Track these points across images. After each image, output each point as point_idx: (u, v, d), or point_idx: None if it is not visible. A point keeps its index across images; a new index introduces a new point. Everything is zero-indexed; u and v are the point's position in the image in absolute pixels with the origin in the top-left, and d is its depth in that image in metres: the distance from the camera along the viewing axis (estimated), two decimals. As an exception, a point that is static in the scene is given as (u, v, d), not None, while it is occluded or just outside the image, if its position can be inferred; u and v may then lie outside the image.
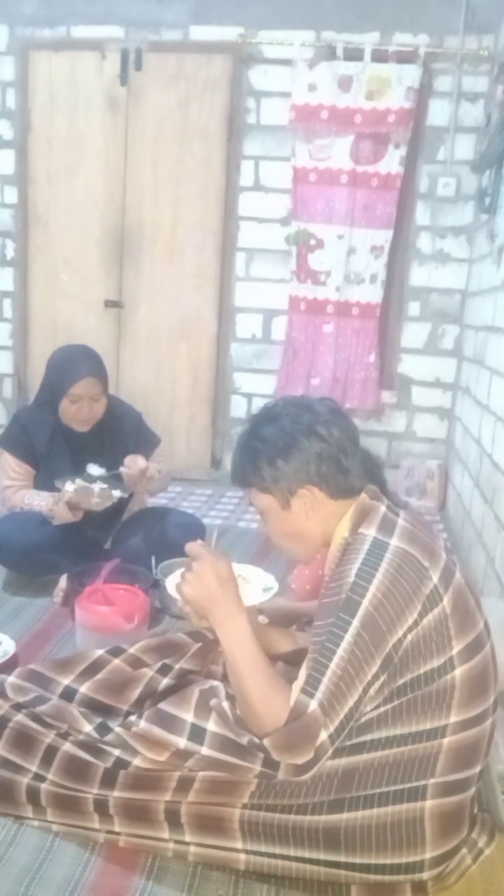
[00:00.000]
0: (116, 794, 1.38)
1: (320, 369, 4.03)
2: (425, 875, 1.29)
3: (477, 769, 1.31)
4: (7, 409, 4.42)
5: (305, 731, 1.17)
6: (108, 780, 1.38)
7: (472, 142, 3.75)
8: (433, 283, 3.97)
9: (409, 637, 1.21)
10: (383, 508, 1.34)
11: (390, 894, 1.30)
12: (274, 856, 1.32)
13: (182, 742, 1.32)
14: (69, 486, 2.39)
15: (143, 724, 1.38)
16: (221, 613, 1.31)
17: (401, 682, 1.23)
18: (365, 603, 1.20)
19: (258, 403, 4.10)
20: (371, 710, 1.24)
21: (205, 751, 1.31)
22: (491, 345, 2.94)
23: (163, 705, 1.39)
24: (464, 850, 1.35)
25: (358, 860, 1.28)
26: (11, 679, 1.60)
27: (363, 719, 1.25)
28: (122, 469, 2.45)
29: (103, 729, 1.44)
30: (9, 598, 2.51)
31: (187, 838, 1.36)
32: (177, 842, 1.37)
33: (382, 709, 1.24)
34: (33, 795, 1.44)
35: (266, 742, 1.21)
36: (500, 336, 2.74)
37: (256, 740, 1.23)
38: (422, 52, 3.66)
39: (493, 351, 2.89)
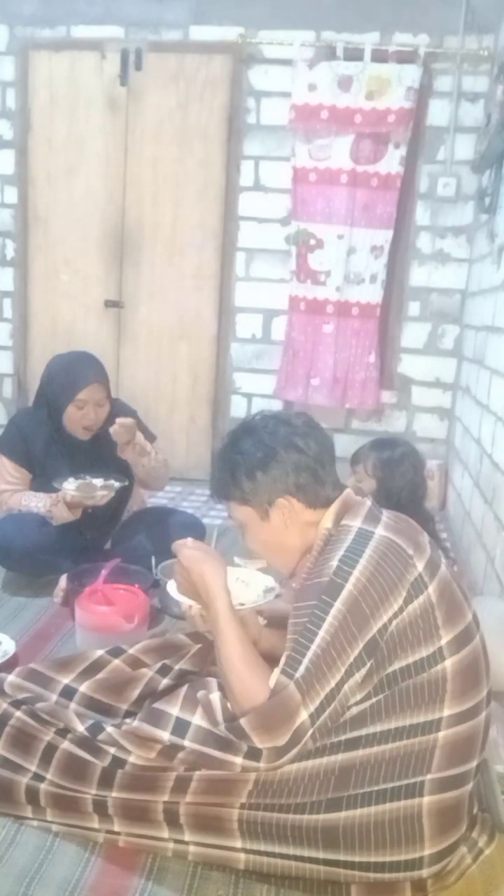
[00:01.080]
0: (114, 794, 1.38)
1: (320, 369, 4.03)
2: (425, 872, 1.29)
3: (473, 764, 1.31)
4: (7, 409, 4.42)
5: (283, 710, 1.18)
6: (106, 780, 1.38)
7: (472, 142, 3.75)
8: (433, 283, 3.96)
9: (395, 623, 1.22)
10: (369, 503, 1.38)
11: (390, 893, 1.30)
12: (273, 855, 1.32)
13: (166, 736, 1.33)
14: (68, 486, 2.39)
15: (134, 723, 1.38)
16: (204, 602, 1.39)
17: (390, 670, 1.24)
18: (349, 586, 1.21)
19: (258, 403, 4.19)
20: (363, 701, 1.25)
21: (187, 743, 1.31)
22: (491, 345, 2.94)
23: (155, 703, 1.40)
24: (464, 850, 1.35)
25: (357, 858, 1.28)
26: (11, 678, 1.61)
27: (356, 711, 1.25)
28: (111, 429, 2.45)
29: (96, 728, 1.44)
30: (9, 598, 2.51)
31: (186, 837, 1.36)
32: (176, 841, 1.37)
33: (374, 699, 1.25)
34: (33, 795, 1.44)
35: (244, 722, 1.21)
36: (500, 336, 2.74)
37: (234, 725, 1.23)
38: (422, 52, 3.66)
39: (493, 351, 2.89)
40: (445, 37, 3.71)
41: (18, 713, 1.50)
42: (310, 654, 1.20)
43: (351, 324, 3.98)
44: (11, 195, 4.23)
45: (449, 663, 1.25)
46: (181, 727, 1.33)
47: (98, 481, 2.44)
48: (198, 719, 1.32)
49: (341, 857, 1.29)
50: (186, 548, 1.44)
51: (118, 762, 1.38)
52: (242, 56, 3.88)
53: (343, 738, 1.26)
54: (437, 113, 3.80)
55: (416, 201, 3.90)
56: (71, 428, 2.52)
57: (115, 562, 2.30)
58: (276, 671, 1.23)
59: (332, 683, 1.19)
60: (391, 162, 3.79)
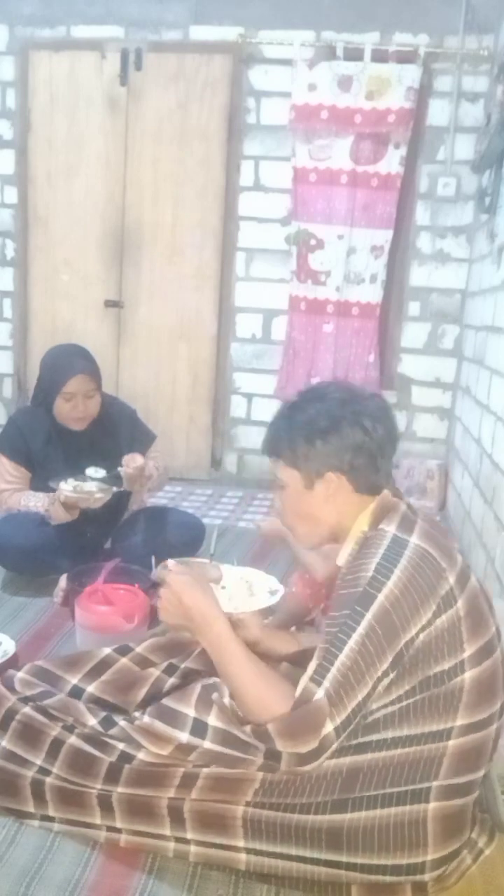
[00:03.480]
0: (120, 789, 1.37)
1: (320, 369, 4.03)
2: (426, 877, 1.29)
3: (481, 773, 1.31)
4: (7, 409, 4.42)
5: (310, 719, 1.17)
6: (113, 775, 1.38)
7: (472, 142, 3.75)
8: (433, 283, 3.96)
9: (422, 636, 1.21)
10: (403, 507, 1.35)
11: (391, 894, 1.30)
12: (275, 855, 1.32)
13: (184, 736, 1.33)
14: (64, 486, 2.39)
15: (146, 719, 1.38)
16: (198, 627, 1.35)
17: (412, 683, 1.22)
18: (381, 598, 1.19)
19: (258, 403, 4.19)
20: (378, 710, 1.24)
21: (207, 745, 1.31)
22: (491, 345, 2.94)
23: (165, 700, 1.40)
24: (464, 851, 1.35)
25: (360, 860, 1.28)
26: (21, 674, 1.61)
27: (370, 718, 1.24)
28: (120, 469, 2.45)
29: (108, 723, 1.44)
30: (9, 598, 2.51)
31: (189, 835, 1.35)
32: (178, 839, 1.36)
33: (391, 709, 1.24)
34: (37, 789, 1.44)
35: (270, 727, 1.20)
36: (500, 336, 2.74)
37: (260, 729, 1.22)
38: (422, 52, 3.66)
39: (493, 351, 2.89)
40: (445, 37, 3.71)
41: (26, 709, 1.50)
42: (338, 663, 1.18)
43: (351, 324, 3.98)
44: (11, 195, 4.23)
45: (468, 675, 1.24)
46: (199, 728, 1.32)
47: (94, 483, 2.44)
48: (213, 720, 1.32)
49: (344, 858, 1.29)
50: (173, 573, 1.41)
51: (126, 757, 1.38)
52: (242, 56, 3.88)
53: (353, 742, 1.26)
54: (437, 113, 3.80)
55: (416, 201, 3.90)
56: (61, 420, 2.52)
57: (115, 562, 2.30)
58: (304, 677, 1.21)
59: (360, 697, 1.18)
60: (391, 162, 3.79)
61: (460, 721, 1.24)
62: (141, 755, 1.37)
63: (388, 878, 1.29)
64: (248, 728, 1.26)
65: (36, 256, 4.28)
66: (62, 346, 2.65)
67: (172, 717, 1.35)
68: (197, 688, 1.40)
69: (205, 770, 1.33)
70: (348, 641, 1.18)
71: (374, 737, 1.25)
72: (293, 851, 1.31)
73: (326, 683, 1.17)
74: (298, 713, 1.19)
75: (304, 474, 1.36)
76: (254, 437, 4.26)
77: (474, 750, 1.27)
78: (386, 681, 1.20)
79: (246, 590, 1.57)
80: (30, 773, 1.44)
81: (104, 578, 2.22)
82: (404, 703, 1.24)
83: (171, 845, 1.37)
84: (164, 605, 1.40)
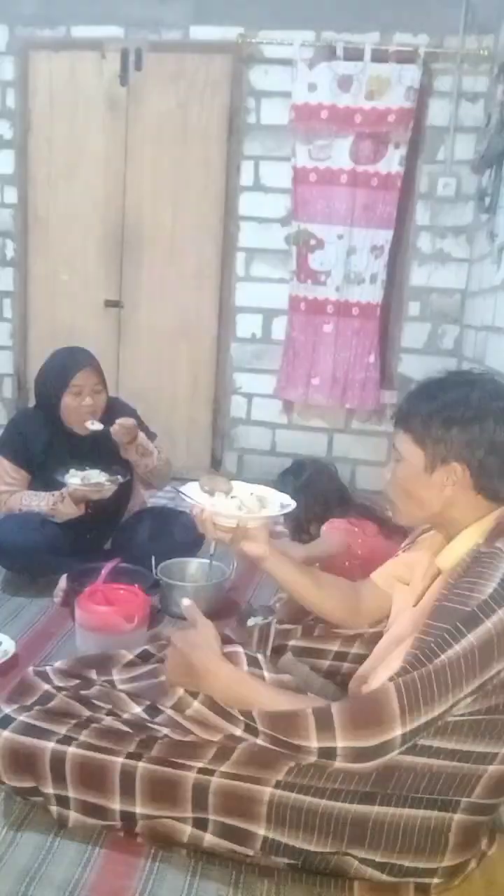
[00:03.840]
0: (153, 753, 1.33)
1: (320, 369, 4.03)
2: (435, 880, 1.30)
3: None
4: (7, 409, 4.42)
5: (378, 714, 1.16)
6: (146, 742, 1.34)
7: (472, 142, 3.75)
8: (433, 283, 3.96)
9: None
10: None
11: (394, 893, 1.31)
12: (290, 852, 1.30)
13: (238, 731, 1.32)
14: (72, 478, 2.40)
15: (196, 705, 1.36)
16: (205, 680, 1.35)
17: (478, 706, 1.21)
18: (488, 624, 1.15)
19: (258, 403, 4.19)
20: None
21: (260, 741, 1.28)
22: (491, 345, 2.94)
23: None
24: (472, 860, 1.35)
25: (378, 858, 1.28)
26: (57, 664, 1.58)
27: None
28: (111, 429, 2.46)
29: (153, 710, 1.40)
30: (9, 598, 2.51)
31: (210, 816, 1.31)
32: (196, 822, 1.32)
33: (448, 719, 1.22)
34: (58, 762, 1.36)
35: (334, 713, 1.19)
36: (500, 336, 2.74)
37: (323, 709, 1.21)
38: (422, 52, 3.66)
39: (493, 351, 2.89)
40: (445, 37, 3.71)
41: (61, 694, 1.47)
42: (424, 672, 1.15)
43: (351, 324, 3.98)
44: (11, 195, 4.23)
45: None
46: (254, 727, 1.30)
47: (102, 475, 2.45)
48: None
49: (362, 853, 1.28)
50: (179, 636, 1.41)
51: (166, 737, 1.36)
52: (242, 56, 3.88)
53: None
54: (437, 113, 3.80)
55: (416, 201, 3.90)
56: (71, 420, 2.52)
57: (115, 562, 2.30)
58: (384, 674, 1.21)
59: (435, 713, 1.16)
60: (391, 162, 3.78)
61: None
62: (189, 739, 1.34)
63: (398, 879, 1.29)
64: (308, 708, 1.23)
65: (36, 256, 4.29)
66: (63, 348, 2.66)
67: (227, 714, 1.33)
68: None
69: (244, 743, 1.31)
70: (441, 655, 1.16)
71: (421, 741, 1.23)
72: (311, 846, 1.29)
73: (406, 689, 1.15)
74: (369, 704, 1.17)
75: (429, 456, 1.29)
76: (254, 437, 4.26)
77: None
78: (464, 703, 1.18)
79: (257, 503, 1.53)
80: (50, 745, 1.37)
81: (104, 578, 2.21)
82: (460, 718, 1.22)
83: (189, 829, 1.33)
84: (170, 666, 1.40)
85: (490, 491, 1.29)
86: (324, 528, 2.39)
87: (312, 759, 1.21)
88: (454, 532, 1.32)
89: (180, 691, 1.41)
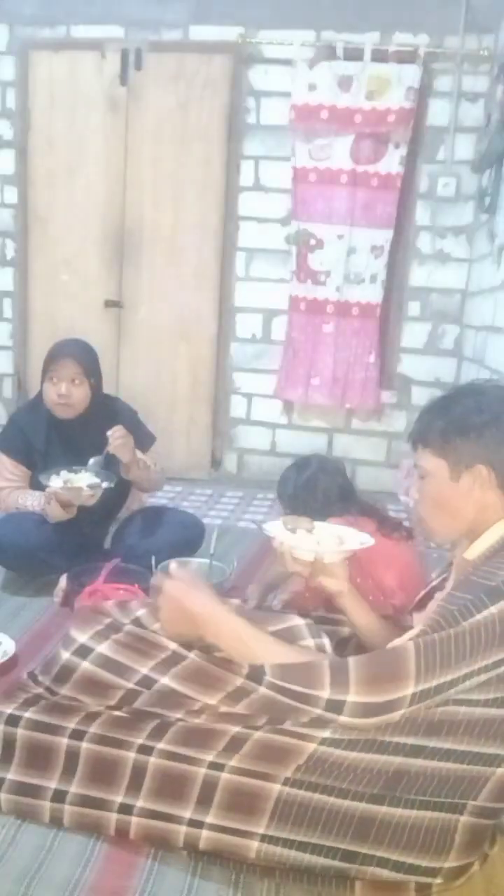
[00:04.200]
0: (163, 745, 1.33)
1: (320, 369, 4.03)
2: (438, 880, 1.30)
3: None
4: (7, 409, 4.42)
5: (395, 669, 1.18)
6: (160, 730, 1.35)
7: (472, 142, 3.75)
8: (433, 283, 3.97)
9: None
10: None
11: (394, 892, 1.30)
12: (290, 844, 1.30)
13: (239, 681, 1.33)
14: (54, 483, 2.38)
15: (193, 656, 1.37)
16: (208, 629, 1.36)
17: (494, 695, 1.21)
18: None
19: (258, 403, 4.19)
20: (451, 710, 1.23)
21: (262, 690, 1.29)
22: (491, 345, 2.94)
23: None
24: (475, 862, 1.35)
25: (380, 853, 1.28)
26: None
27: (437, 717, 1.24)
28: (108, 448, 2.43)
29: (149, 681, 1.40)
30: (9, 598, 2.51)
31: (210, 818, 1.31)
32: (194, 823, 1.32)
33: (466, 709, 1.22)
34: (72, 756, 1.39)
35: (352, 662, 1.22)
36: (500, 336, 2.74)
37: (341, 660, 1.24)
38: (422, 52, 3.66)
39: (493, 351, 2.89)
40: (445, 37, 3.71)
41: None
42: (444, 636, 1.18)
43: (351, 324, 3.98)
44: (11, 195, 4.23)
45: None
46: (257, 671, 1.31)
47: (85, 479, 2.41)
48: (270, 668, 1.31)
49: (365, 850, 1.28)
50: (168, 580, 1.40)
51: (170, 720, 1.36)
52: (242, 56, 3.88)
53: (411, 741, 1.25)
54: (437, 113, 3.80)
55: (416, 201, 3.90)
56: (48, 405, 2.53)
57: (114, 562, 2.30)
58: (407, 634, 1.23)
59: (449, 677, 1.17)
60: (391, 162, 3.79)
61: None
62: (184, 715, 1.34)
63: (400, 876, 1.29)
64: (324, 660, 1.26)
65: (36, 256, 4.29)
66: (65, 338, 2.68)
67: (224, 661, 1.35)
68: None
69: (256, 734, 1.31)
70: (462, 622, 1.18)
71: (431, 743, 1.24)
72: (314, 840, 1.29)
73: (426, 648, 1.18)
74: (387, 658, 1.20)
75: (452, 465, 1.33)
76: (254, 437, 4.26)
77: None
78: (478, 679, 1.19)
79: (336, 541, 1.55)
80: (65, 740, 1.40)
81: (104, 578, 2.21)
82: (480, 709, 1.22)
83: (184, 829, 1.33)
84: (164, 616, 1.39)
85: None
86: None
87: (316, 711, 1.22)
88: (484, 530, 1.34)
89: (172, 645, 1.43)
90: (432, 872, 1.28)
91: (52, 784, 1.41)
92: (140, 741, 1.35)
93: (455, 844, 1.28)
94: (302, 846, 1.30)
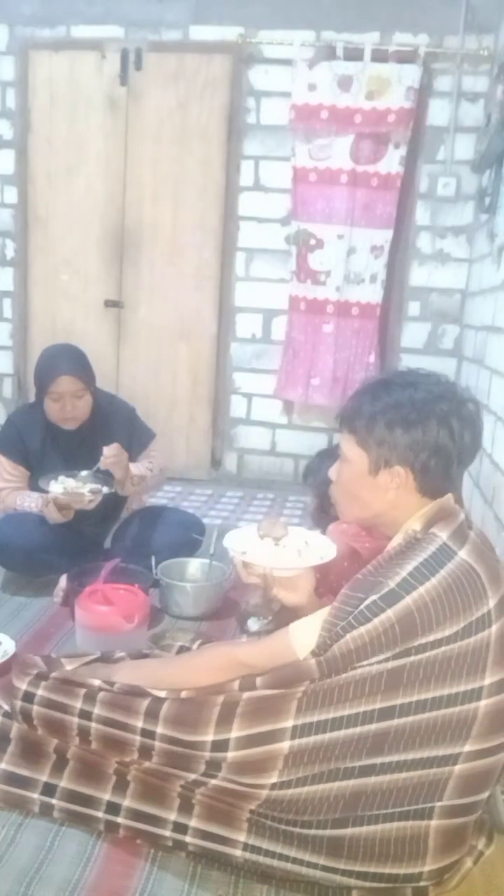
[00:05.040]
0: (160, 730, 1.33)
1: (320, 369, 4.03)
2: (422, 883, 1.29)
3: (486, 795, 1.29)
4: (7, 409, 4.41)
5: (276, 712, 1.25)
6: (153, 712, 1.34)
7: (472, 142, 3.75)
8: (433, 283, 3.96)
9: (443, 650, 1.17)
10: (462, 516, 1.30)
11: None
12: (273, 855, 1.31)
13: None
14: (54, 487, 2.38)
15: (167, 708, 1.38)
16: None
17: (423, 696, 1.19)
18: (408, 599, 1.17)
19: (258, 403, 4.19)
20: (385, 727, 1.22)
21: (157, 738, 1.33)
22: (491, 345, 2.94)
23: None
24: (465, 858, 1.35)
25: (357, 868, 1.28)
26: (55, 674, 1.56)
27: (371, 741, 1.22)
28: (100, 465, 2.42)
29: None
30: (9, 598, 2.51)
31: (192, 823, 1.33)
32: (178, 828, 1.34)
33: (397, 726, 1.21)
34: (62, 753, 1.42)
35: (244, 698, 1.28)
36: (500, 336, 2.74)
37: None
38: (422, 52, 3.66)
39: (493, 351, 2.89)
40: (445, 37, 3.71)
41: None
42: (342, 643, 1.20)
43: (351, 324, 3.98)
44: (11, 195, 4.23)
45: (483, 704, 1.20)
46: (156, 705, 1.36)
47: (85, 484, 2.41)
48: None
49: (342, 865, 1.28)
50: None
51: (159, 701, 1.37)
52: (242, 56, 3.88)
53: (357, 764, 1.23)
54: (437, 113, 3.80)
55: (416, 201, 3.90)
56: (52, 420, 2.52)
57: (115, 562, 2.30)
58: (308, 645, 1.25)
59: (329, 717, 1.23)
60: (391, 162, 3.79)
61: (468, 748, 1.21)
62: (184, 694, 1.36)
63: (382, 885, 1.28)
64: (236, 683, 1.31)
65: (36, 256, 4.28)
66: (53, 346, 2.65)
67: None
68: None
69: (212, 782, 1.31)
70: (359, 628, 1.18)
71: (379, 760, 1.23)
72: (292, 854, 1.30)
73: (323, 658, 1.22)
74: (271, 699, 1.25)
75: (373, 459, 1.29)
76: (254, 437, 4.26)
77: (480, 775, 1.25)
78: (385, 667, 1.19)
79: (295, 554, 1.52)
80: (76, 720, 1.40)
81: (104, 578, 2.21)
82: (411, 717, 1.20)
83: (169, 833, 1.35)
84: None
85: (434, 491, 1.30)
86: (330, 527, 2.38)
87: (206, 756, 1.29)
88: (395, 530, 1.32)
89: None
90: (415, 878, 1.27)
91: (44, 775, 1.44)
92: (139, 724, 1.36)
93: (430, 849, 1.25)
94: (283, 857, 1.30)
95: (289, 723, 1.24)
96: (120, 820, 1.39)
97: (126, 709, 1.36)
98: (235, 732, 1.27)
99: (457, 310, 3.95)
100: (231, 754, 1.27)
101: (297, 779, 1.25)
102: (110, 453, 2.41)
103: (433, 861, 1.26)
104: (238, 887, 1.34)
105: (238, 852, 1.33)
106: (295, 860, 1.30)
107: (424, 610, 1.17)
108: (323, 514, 2.47)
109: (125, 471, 2.47)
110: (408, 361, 4.04)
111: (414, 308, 4.01)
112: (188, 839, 1.35)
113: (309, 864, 1.29)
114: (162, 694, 1.36)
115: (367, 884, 1.28)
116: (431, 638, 1.17)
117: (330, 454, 2.41)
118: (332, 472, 1.41)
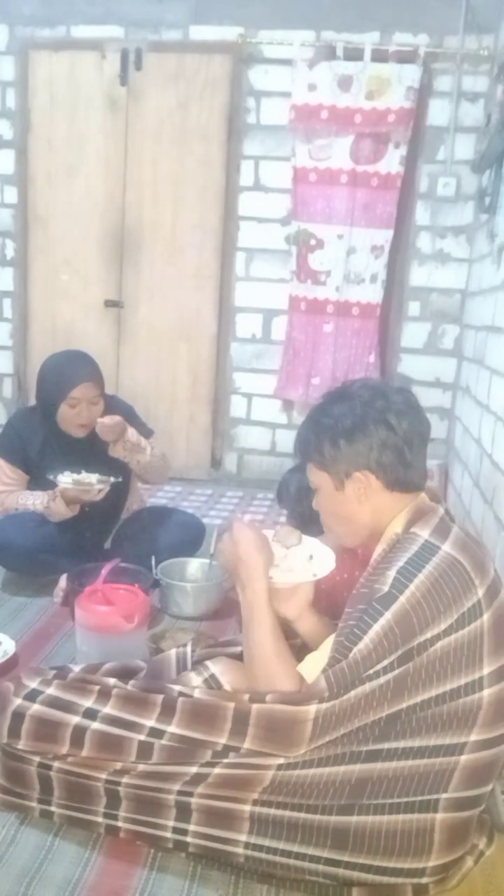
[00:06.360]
0: (127, 780, 1.34)
1: (320, 369, 4.03)
2: (425, 880, 1.29)
3: (489, 787, 1.31)
4: (7, 409, 4.42)
5: (290, 736, 1.25)
6: (168, 708, 1.35)
7: (472, 142, 3.75)
8: (433, 283, 3.96)
9: (439, 644, 1.20)
10: (441, 511, 1.34)
11: (392, 894, 1.30)
12: (275, 851, 1.31)
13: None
14: (63, 479, 2.39)
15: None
16: (240, 581, 1.40)
17: (426, 694, 1.21)
18: (402, 599, 1.20)
19: (258, 403, 4.19)
20: (391, 718, 1.23)
21: (165, 738, 1.33)
22: (491, 345, 2.94)
23: None
24: (466, 856, 1.35)
25: (361, 860, 1.28)
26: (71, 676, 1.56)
27: (381, 726, 1.24)
28: (98, 420, 2.44)
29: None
30: (9, 598, 2.51)
31: (192, 827, 1.33)
32: (178, 830, 1.34)
33: (404, 718, 1.23)
34: (45, 779, 1.40)
35: (254, 712, 1.27)
36: (500, 336, 2.74)
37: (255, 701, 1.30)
38: (422, 51, 3.66)
39: (493, 351, 2.89)
40: (445, 37, 3.71)
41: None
42: (350, 657, 1.21)
43: (351, 324, 3.98)
44: (11, 195, 4.23)
45: (486, 693, 1.22)
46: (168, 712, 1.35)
47: (93, 476, 2.44)
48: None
49: (345, 857, 1.28)
50: (239, 524, 1.45)
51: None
52: (242, 56, 3.88)
53: (364, 748, 1.25)
54: (437, 113, 3.80)
55: (416, 201, 3.90)
56: (65, 427, 2.51)
57: (115, 562, 2.30)
58: (316, 666, 1.27)
59: (343, 731, 1.23)
60: (391, 162, 3.79)
61: (474, 737, 1.23)
62: (197, 693, 1.37)
63: (385, 879, 1.28)
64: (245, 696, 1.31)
65: (36, 256, 4.29)
66: (66, 353, 2.62)
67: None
68: None
69: (215, 770, 1.31)
70: (363, 636, 1.20)
71: (385, 745, 1.24)
72: (294, 849, 1.30)
73: (334, 679, 1.21)
74: (286, 719, 1.25)
75: (334, 476, 1.37)
76: (254, 437, 4.26)
77: (485, 766, 1.26)
78: (391, 675, 1.20)
79: (301, 562, 1.53)
80: (33, 767, 1.40)
81: (104, 578, 2.21)
82: (419, 714, 1.22)
83: (170, 835, 1.35)
84: (221, 547, 1.46)
85: (401, 483, 1.36)
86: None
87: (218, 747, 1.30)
88: (383, 532, 1.36)
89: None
90: (417, 873, 1.27)
91: (33, 799, 1.43)
92: (150, 723, 1.36)
93: (435, 843, 1.26)
94: (285, 853, 1.30)
95: (301, 748, 1.26)
96: (119, 824, 1.39)
97: (140, 705, 1.36)
98: (247, 745, 1.29)
99: (457, 310, 3.95)
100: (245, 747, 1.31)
101: (305, 760, 1.27)
102: (110, 421, 2.43)
103: (437, 857, 1.27)
104: (238, 887, 1.34)
105: (240, 851, 1.32)
106: (298, 855, 1.30)
107: (419, 607, 1.20)
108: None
109: (119, 435, 2.48)
110: (408, 361, 4.04)
111: (414, 308, 4.01)
112: (189, 839, 1.35)
113: (312, 859, 1.29)
114: (175, 692, 1.37)
115: (371, 877, 1.28)
116: (429, 634, 1.20)
117: (299, 468, 2.42)
118: (315, 505, 1.47)
